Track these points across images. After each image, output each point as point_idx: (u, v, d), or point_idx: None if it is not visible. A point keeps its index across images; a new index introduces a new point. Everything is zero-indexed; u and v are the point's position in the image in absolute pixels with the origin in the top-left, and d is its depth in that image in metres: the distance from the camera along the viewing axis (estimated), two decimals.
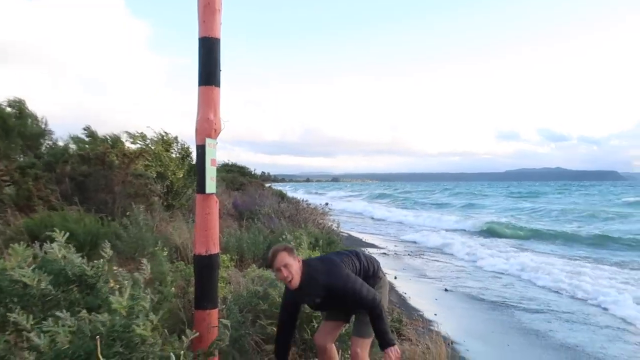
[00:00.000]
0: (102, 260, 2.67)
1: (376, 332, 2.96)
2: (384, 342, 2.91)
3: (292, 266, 2.94)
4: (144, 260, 2.88)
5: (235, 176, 23.61)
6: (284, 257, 2.93)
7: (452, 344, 4.63)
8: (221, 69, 2.83)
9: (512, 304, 7.68)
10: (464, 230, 20.10)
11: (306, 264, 3.06)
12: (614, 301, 7.39)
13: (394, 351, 2.87)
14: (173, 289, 3.93)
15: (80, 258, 2.63)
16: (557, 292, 8.51)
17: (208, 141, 2.75)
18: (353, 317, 3.26)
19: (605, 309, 7.25)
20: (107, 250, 2.58)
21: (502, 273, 10.36)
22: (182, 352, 2.36)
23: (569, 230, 18.66)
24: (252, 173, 34.65)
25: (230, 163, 31.52)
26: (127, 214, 6.19)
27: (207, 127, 2.76)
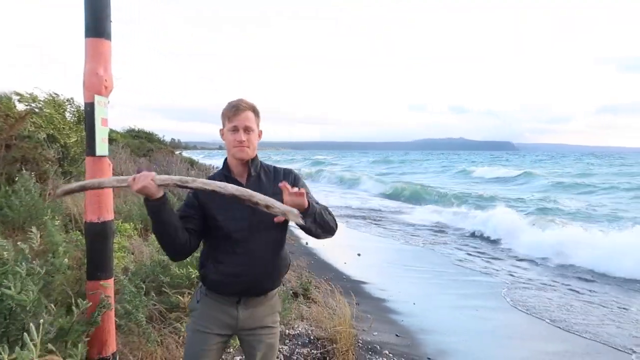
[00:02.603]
0: None
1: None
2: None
3: (254, 135, 2.15)
4: (34, 229, 2.62)
5: (142, 142, 22.41)
6: (250, 117, 2.12)
7: (357, 304, 4.81)
8: (112, 20, 2.58)
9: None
10: None
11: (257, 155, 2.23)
12: None
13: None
14: (66, 260, 3.68)
15: None
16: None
17: (97, 99, 2.51)
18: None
19: None
20: None
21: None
22: (70, 324, 2.20)
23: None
24: (161, 140, 33.09)
25: (137, 129, 29.87)
26: (15, 180, 5.63)
27: (96, 83, 2.52)
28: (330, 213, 2.11)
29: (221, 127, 2.19)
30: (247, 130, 2.10)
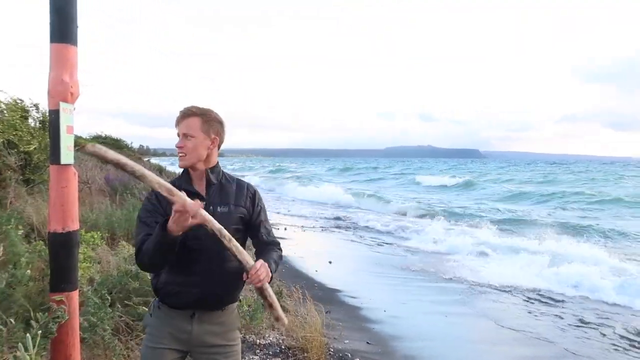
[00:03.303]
0: None
1: (270, 260, 2.06)
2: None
3: (195, 141, 2.03)
4: None
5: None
6: (190, 124, 2.03)
7: (328, 312, 4.80)
8: (78, 25, 2.52)
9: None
10: None
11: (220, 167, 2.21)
12: None
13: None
14: (29, 271, 3.55)
15: None
16: None
17: (63, 105, 2.45)
18: None
19: None
20: None
21: None
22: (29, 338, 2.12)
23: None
24: (129, 146, 32.40)
25: (104, 135, 29.20)
26: None
27: (61, 90, 2.45)
28: (280, 256, 2.18)
29: None
30: (185, 137, 2.02)
